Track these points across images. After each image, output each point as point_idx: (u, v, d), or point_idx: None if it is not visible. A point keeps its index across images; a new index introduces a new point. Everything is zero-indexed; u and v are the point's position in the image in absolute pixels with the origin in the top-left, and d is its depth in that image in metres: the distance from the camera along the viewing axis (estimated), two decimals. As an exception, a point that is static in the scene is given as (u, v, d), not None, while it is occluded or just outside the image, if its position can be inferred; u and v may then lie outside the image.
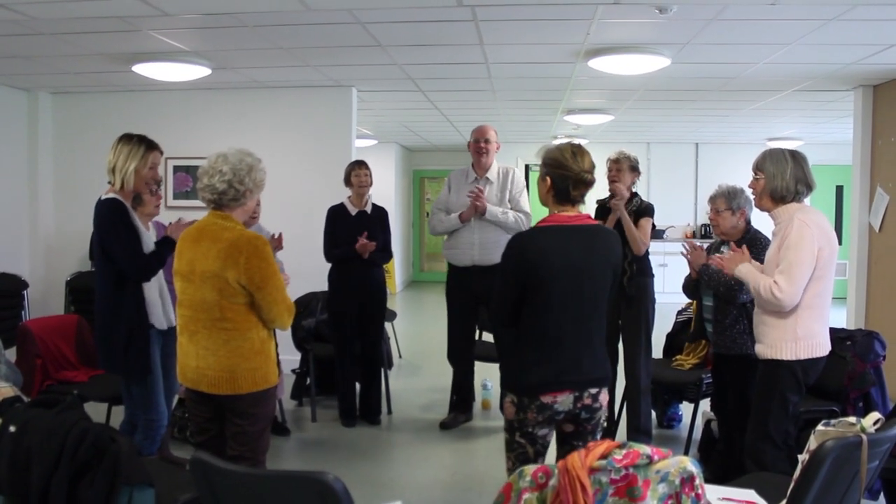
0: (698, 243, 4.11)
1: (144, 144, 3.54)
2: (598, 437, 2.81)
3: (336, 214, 5.32)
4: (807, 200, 3.32)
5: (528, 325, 2.71)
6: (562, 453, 2.76)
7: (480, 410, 5.69)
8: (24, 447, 2.29)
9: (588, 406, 2.70)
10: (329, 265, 5.35)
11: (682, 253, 4.04)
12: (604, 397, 2.75)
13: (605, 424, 2.88)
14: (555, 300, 2.65)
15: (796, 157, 3.21)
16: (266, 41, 5.06)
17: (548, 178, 2.71)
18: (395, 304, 10.73)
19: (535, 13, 4.37)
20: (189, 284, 2.84)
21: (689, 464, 1.96)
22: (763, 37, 4.83)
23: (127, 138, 3.55)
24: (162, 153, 3.66)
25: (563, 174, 2.68)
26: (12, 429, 2.36)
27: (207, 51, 5.39)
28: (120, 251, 3.43)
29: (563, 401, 2.66)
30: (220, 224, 2.85)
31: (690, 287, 4.16)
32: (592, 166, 2.71)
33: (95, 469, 2.24)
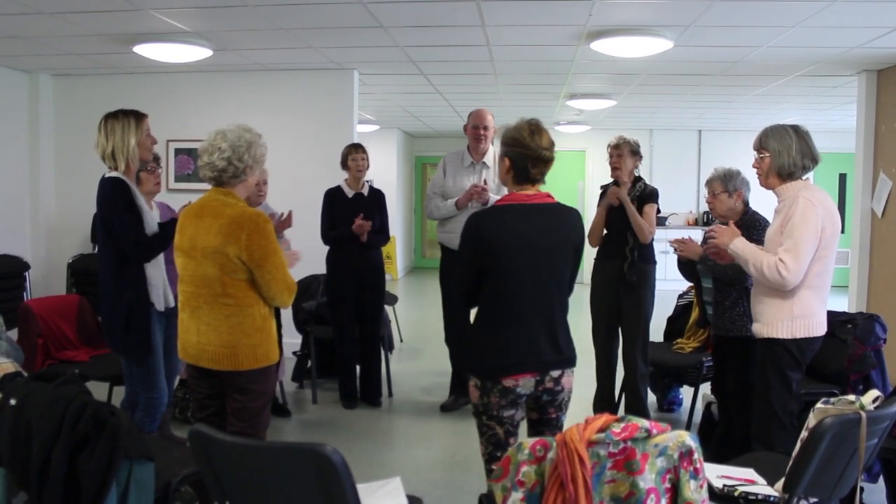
0: (686, 236, 4.04)
1: (132, 116, 3.48)
2: (564, 417, 2.77)
3: (333, 197, 5.32)
4: (811, 177, 3.29)
5: (486, 305, 2.68)
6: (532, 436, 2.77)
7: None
8: (24, 420, 2.30)
9: (550, 389, 2.67)
10: (327, 248, 5.35)
11: (673, 248, 3.96)
12: (567, 380, 2.70)
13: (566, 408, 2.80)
14: (512, 280, 2.61)
15: (799, 132, 3.17)
16: (267, 21, 5.03)
17: (506, 158, 2.66)
18: (396, 289, 10.75)
19: (538, -7, 4.36)
20: (190, 260, 2.84)
21: (688, 438, 1.96)
22: (767, 19, 4.79)
23: (112, 117, 3.47)
24: (147, 117, 3.57)
25: (521, 152, 2.63)
26: (13, 402, 2.36)
27: (208, 31, 5.36)
28: (121, 231, 3.40)
29: (525, 384, 2.63)
30: (222, 200, 2.84)
31: (685, 265, 4.12)
32: (551, 144, 2.65)
33: (95, 442, 2.24)
